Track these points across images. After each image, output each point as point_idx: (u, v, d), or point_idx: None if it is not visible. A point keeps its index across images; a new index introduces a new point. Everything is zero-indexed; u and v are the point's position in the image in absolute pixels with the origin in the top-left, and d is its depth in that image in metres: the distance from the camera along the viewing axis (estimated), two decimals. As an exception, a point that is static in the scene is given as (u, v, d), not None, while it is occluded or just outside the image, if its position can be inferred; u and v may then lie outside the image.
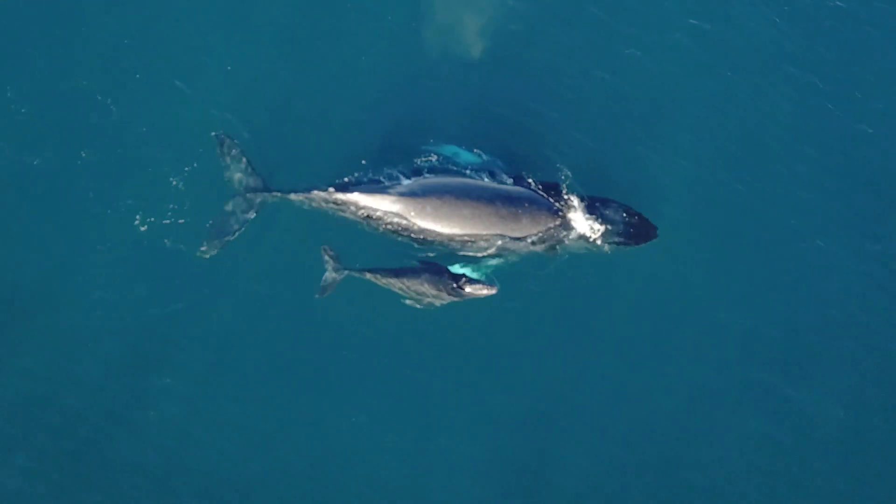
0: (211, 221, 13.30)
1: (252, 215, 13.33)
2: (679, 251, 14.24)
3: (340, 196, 13.21)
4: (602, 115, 15.10)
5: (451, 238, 13.24)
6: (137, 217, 13.44)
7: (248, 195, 13.38)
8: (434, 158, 13.97)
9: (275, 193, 13.37)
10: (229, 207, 13.36)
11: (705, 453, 13.16)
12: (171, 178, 13.71)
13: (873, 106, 15.56)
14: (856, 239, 14.58)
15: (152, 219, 13.48)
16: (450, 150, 14.17)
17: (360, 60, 15.10)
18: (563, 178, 13.94)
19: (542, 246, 13.46)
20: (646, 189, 14.58)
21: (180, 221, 13.47)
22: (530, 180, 13.71)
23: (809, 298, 14.17)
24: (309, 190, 13.31)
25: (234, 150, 13.48)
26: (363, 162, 13.79)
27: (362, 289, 13.11)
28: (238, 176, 13.45)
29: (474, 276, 12.97)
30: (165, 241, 13.38)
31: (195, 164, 13.85)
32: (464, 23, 15.37)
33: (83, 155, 13.83)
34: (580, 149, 14.68)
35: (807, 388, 13.57)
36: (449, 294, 12.75)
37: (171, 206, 13.55)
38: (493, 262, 13.34)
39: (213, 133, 13.67)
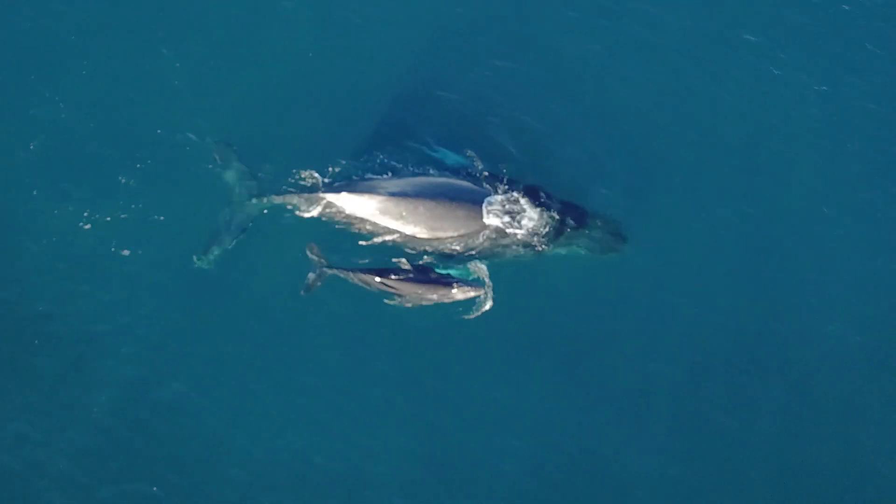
0: (211, 229, 12.99)
1: (250, 222, 13.06)
2: (646, 246, 14.04)
3: (330, 198, 12.99)
4: (589, 118, 15.01)
5: (441, 239, 13.03)
6: (85, 214, 12.95)
7: (245, 201, 13.10)
8: (381, 158, 13.73)
9: (271, 197, 13.08)
10: (227, 215, 13.05)
11: (652, 441, 12.79)
12: (120, 177, 13.27)
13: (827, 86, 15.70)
14: (809, 230, 14.48)
15: (97, 216, 13.01)
16: (439, 151, 13.97)
17: (340, 60, 14.89)
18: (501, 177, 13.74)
19: (530, 248, 13.28)
20: (628, 186, 14.46)
21: (125, 217, 13.04)
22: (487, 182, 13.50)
23: (773, 289, 13.95)
24: (298, 193, 13.06)
25: (231, 158, 13.31)
26: (343, 162, 13.57)
27: (347, 289, 12.72)
28: (236, 183, 13.21)
29: (461, 277, 12.68)
30: (112, 243, 12.90)
31: (149, 162, 13.45)
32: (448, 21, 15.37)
33: (31, 147, 13.40)
34: (565, 153, 14.54)
35: (756, 377, 13.27)
36: (435, 295, 12.49)
37: (122, 203, 13.08)
38: (480, 263, 13.01)
39: (209, 140, 13.52)
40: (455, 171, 13.65)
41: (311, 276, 12.58)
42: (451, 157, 13.90)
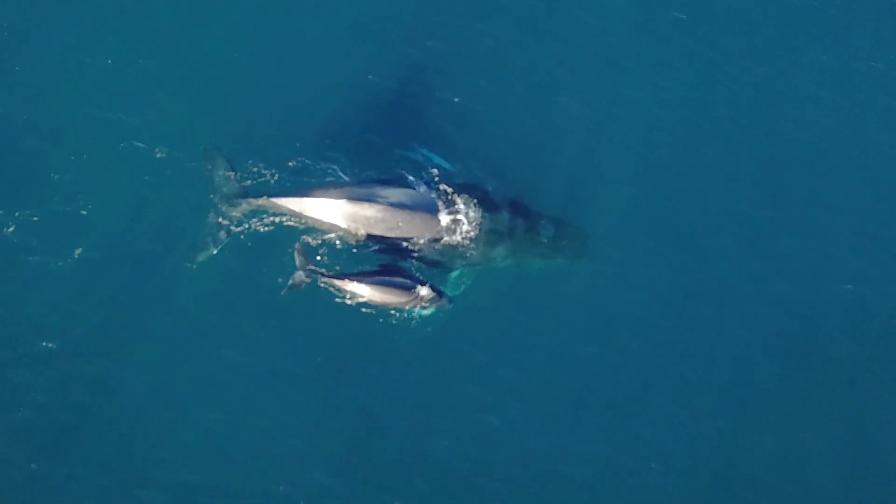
0: (198, 233, 12.79)
1: (237, 224, 12.86)
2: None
3: (320, 201, 12.66)
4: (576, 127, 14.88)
5: (437, 250, 12.86)
6: (16, 214, 12.59)
7: (231, 203, 12.87)
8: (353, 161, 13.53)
9: (259, 200, 12.81)
10: (213, 217, 12.83)
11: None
12: (53, 173, 12.94)
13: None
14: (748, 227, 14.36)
15: (24, 213, 12.69)
16: (423, 154, 13.76)
17: (323, 58, 14.72)
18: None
19: (513, 256, 13.22)
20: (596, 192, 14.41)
21: (55, 216, 12.74)
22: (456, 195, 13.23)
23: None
24: (283, 196, 12.78)
25: (219, 160, 13.06)
26: (319, 163, 13.41)
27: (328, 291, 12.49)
28: (223, 185, 12.98)
29: (441, 286, 12.51)
30: (40, 246, 12.58)
31: (84, 156, 13.12)
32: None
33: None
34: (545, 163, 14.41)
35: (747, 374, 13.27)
36: (414, 303, 12.32)
37: (56, 199, 12.77)
38: (463, 271, 12.96)
39: (202, 147, 13.23)
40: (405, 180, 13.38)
41: (295, 277, 12.27)
42: (437, 161, 13.68)
